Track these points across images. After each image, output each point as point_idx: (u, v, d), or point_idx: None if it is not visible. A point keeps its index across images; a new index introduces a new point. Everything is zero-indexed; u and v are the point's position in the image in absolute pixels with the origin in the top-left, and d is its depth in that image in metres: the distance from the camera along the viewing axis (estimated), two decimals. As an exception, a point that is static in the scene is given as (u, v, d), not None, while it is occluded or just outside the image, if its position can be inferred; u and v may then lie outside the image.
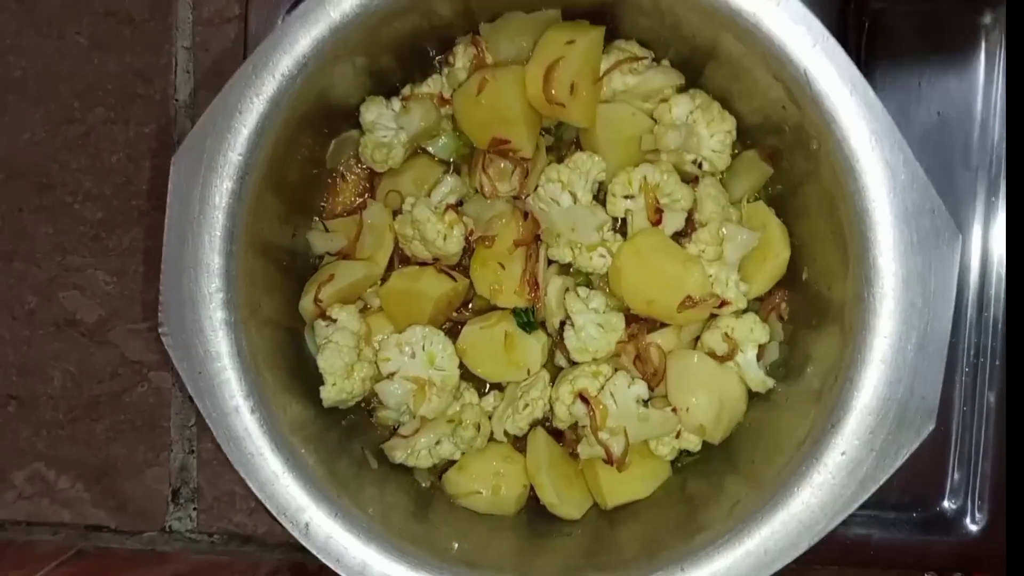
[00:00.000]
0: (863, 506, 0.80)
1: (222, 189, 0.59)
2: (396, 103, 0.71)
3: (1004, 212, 0.80)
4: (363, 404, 0.76)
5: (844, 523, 0.80)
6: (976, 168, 0.80)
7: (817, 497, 0.59)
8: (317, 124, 0.70)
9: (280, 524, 0.85)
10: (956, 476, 0.82)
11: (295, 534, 0.62)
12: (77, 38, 0.94)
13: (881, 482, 0.59)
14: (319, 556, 0.62)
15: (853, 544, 0.83)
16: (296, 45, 0.58)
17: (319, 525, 0.61)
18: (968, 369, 0.82)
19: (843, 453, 0.59)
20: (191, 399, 0.95)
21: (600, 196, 0.73)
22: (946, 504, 0.83)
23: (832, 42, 0.57)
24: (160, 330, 0.60)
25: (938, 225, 0.57)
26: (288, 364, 0.69)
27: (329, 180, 0.76)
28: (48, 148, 0.95)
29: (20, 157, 0.95)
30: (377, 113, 0.70)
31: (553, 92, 0.66)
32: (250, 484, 0.61)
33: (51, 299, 0.96)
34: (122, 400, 0.97)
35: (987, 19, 0.79)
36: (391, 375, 0.71)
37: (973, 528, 0.82)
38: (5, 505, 0.98)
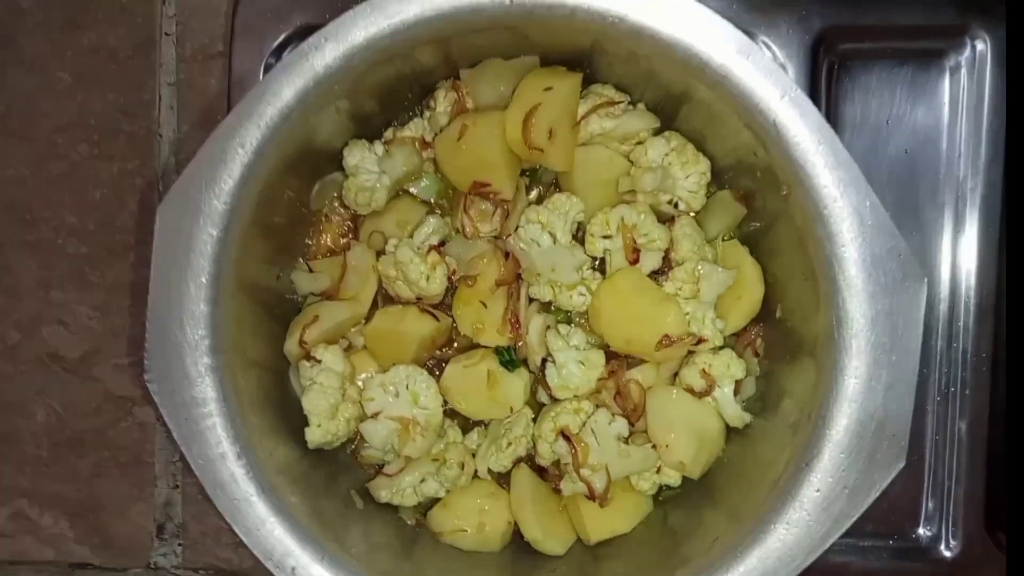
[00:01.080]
0: (842, 535, 0.83)
1: (207, 237, 0.60)
2: (379, 147, 0.73)
3: (972, 246, 0.82)
4: (348, 443, 0.77)
5: (823, 552, 0.83)
6: (943, 203, 0.83)
7: (793, 534, 0.61)
8: (301, 168, 0.71)
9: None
10: (930, 504, 0.84)
11: (280, 580, 0.62)
12: (61, 74, 0.95)
13: (855, 518, 0.61)
14: (305, 601, 0.62)
15: (831, 573, 0.85)
16: (280, 96, 0.60)
17: (305, 568, 0.62)
18: (939, 399, 0.83)
19: (817, 491, 0.60)
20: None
21: (579, 236, 0.74)
22: (921, 531, 0.84)
23: (799, 93, 0.59)
24: (146, 378, 0.61)
25: (905, 269, 0.59)
26: (274, 406, 0.69)
27: (313, 221, 0.77)
28: (32, 184, 0.95)
29: (3, 193, 0.95)
30: (360, 157, 0.72)
31: (532, 138, 0.68)
32: (236, 530, 0.61)
33: (34, 334, 0.96)
34: (106, 436, 0.97)
35: (951, 61, 0.81)
36: (375, 415, 0.71)
37: (947, 554, 0.84)
38: (-13, 544, 0.98)
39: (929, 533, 0.84)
